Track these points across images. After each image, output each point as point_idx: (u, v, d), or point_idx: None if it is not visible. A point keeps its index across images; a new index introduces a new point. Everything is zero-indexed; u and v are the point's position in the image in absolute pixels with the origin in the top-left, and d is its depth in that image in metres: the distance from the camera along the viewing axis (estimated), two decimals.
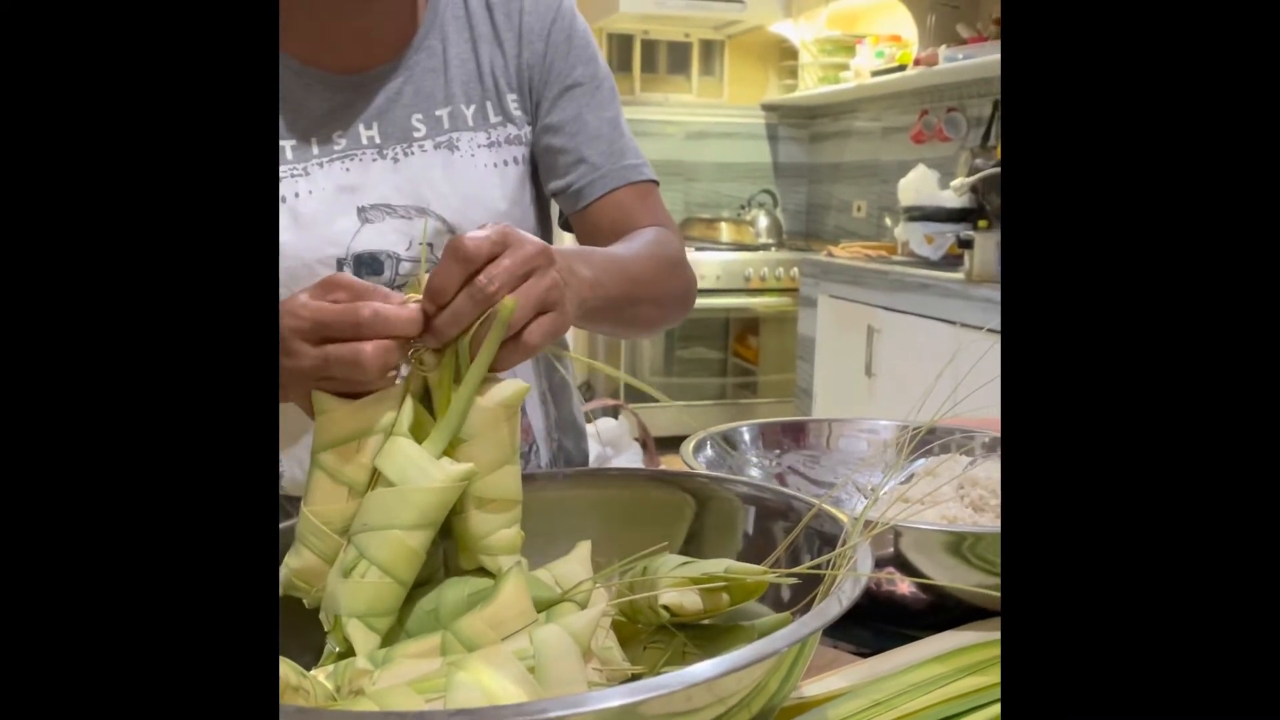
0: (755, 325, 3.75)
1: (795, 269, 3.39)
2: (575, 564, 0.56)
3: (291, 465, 0.85)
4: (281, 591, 0.50)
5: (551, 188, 0.86)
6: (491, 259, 0.50)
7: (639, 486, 0.64)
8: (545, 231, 0.90)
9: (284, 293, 0.77)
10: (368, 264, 0.79)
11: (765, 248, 3.70)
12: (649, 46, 3.93)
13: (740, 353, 3.86)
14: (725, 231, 3.71)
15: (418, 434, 0.50)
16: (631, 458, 2.08)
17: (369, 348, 0.48)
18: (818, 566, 0.47)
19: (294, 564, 0.49)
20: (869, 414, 0.91)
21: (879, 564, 0.62)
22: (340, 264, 0.79)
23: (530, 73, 0.85)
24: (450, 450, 0.50)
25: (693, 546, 0.59)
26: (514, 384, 0.51)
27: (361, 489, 0.49)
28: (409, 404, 0.50)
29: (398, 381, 0.52)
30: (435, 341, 0.50)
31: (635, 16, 3.61)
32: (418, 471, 0.48)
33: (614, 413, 2.39)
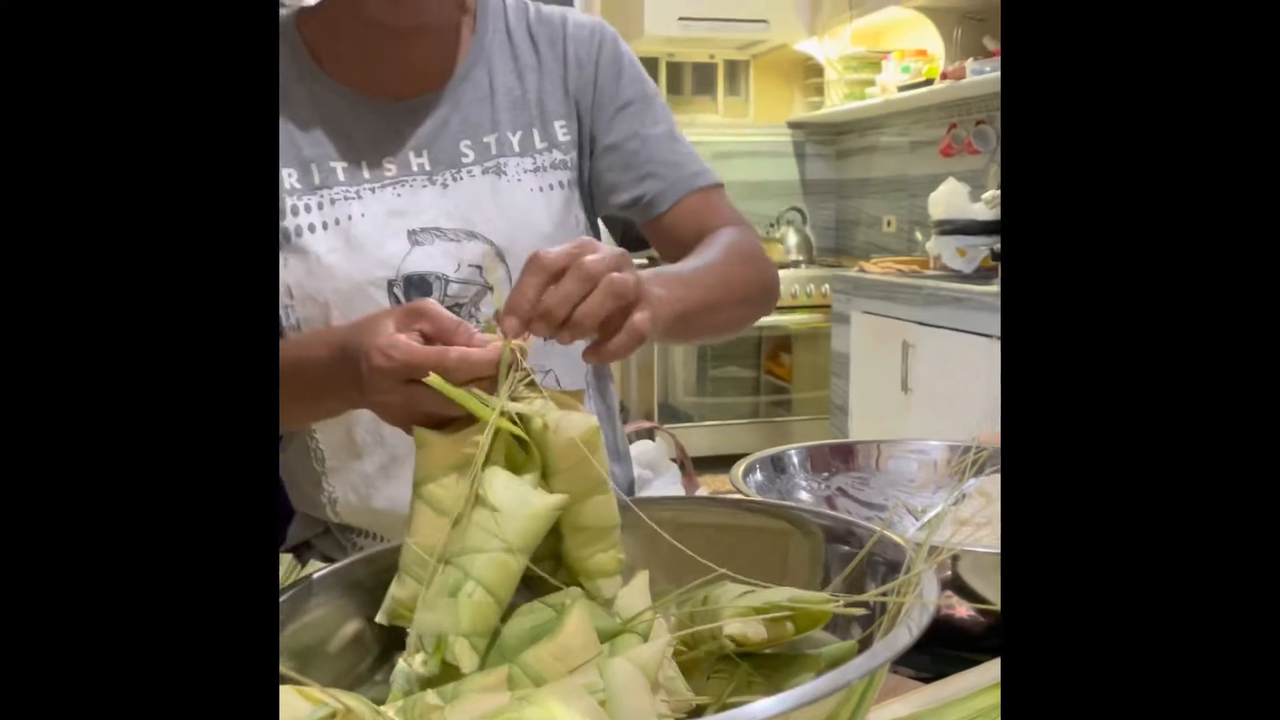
0: (788, 343, 3.74)
1: (826, 285, 3.38)
2: (635, 594, 0.56)
3: (344, 489, 0.86)
4: (388, 621, 0.51)
5: (620, 202, 0.89)
6: (563, 270, 0.53)
7: (692, 512, 0.64)
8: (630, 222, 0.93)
9: (335, 313, 0.80)
10: (417, 285, 0.81)
11: (796, 265, 3.69)
12: (674, 69, 3.95)
13: (773, 371, 3.85)
14: None
15: (512, 465, 0.52)
16: (670, 480, 2.08)
17: (452, 354, 0.51)
18: (883, 594, 0.47)
19: (400, 594, 0.50)
20: (906, 430, 0.91)
21: (939, 587, 0.61)
22: (390, 285, 0.81)
23: (579, 98, 0.87)
24: (544, 483, 0.52)
25: (753, 573, 0.59)
26: (585, 420, 0.52)
27: (459, 519, 0.50)
28: (503, 436, 0.51)
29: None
30: (549, 325, 0.53)
31: (660, 40, 3.63)
32: (516, 499, 0.50)
33: (650, 435, 2.39)
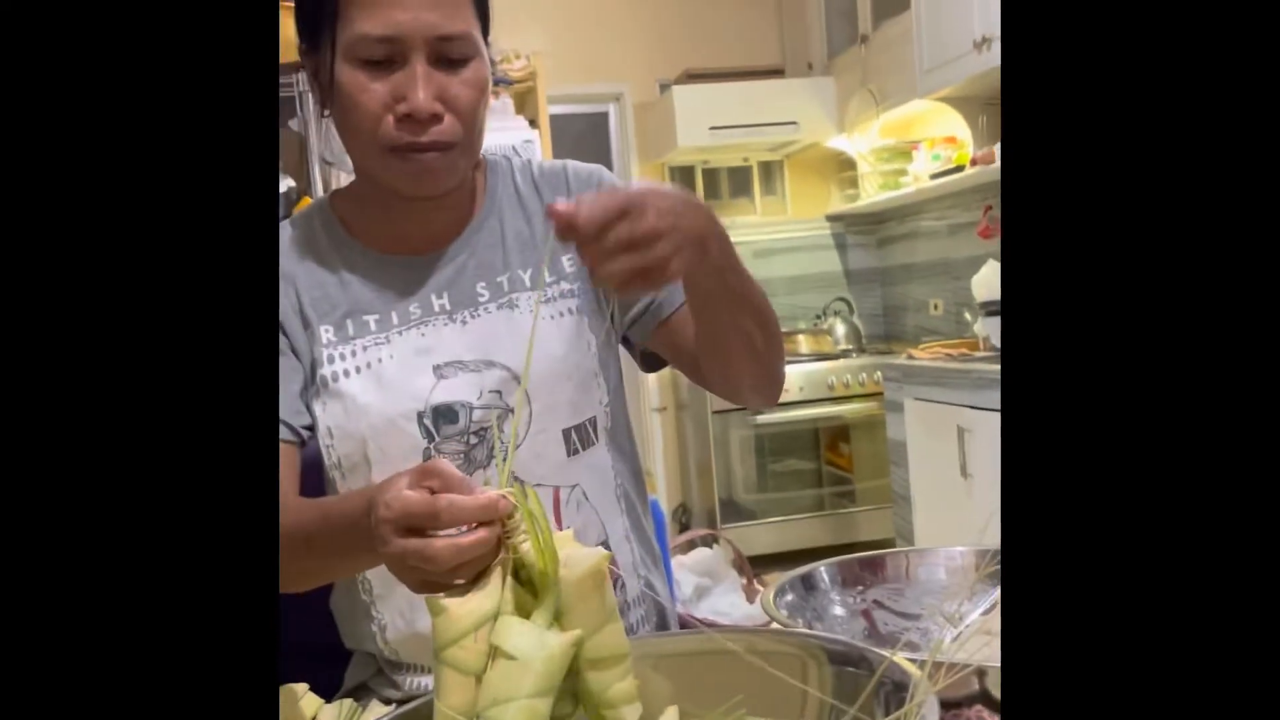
0: (845, 432, 3.73)
1: (879, 373, 3.38)
2: None
3: (392, 615, 0.91)
4: None
5: (630, 316, 0.94)
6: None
7: (710, 640, 0.66)
8: (607, 368, 0.96)
9: (371, 446, 0.87)
10: (444, 414, 0.88)
11: (846, 354, 3.70)
12: (710, 175, 4.06)
13: (833, 461, 3.82)
14: (804, 343, 3.74)
15: (522, 610, 0.55)
16: (730, 586, 2.08)
17: (438, 544, 0.55)
18: None
19: None
20: (971, 516, 0.92)
21: (967, 702, 0.63)
22: (420, 416, 0.87)
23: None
24: (556, 621, 0.55)
25: (773, 702, 0.61)
26: (596, 554, 0.56)
27: (484, 673, 0.53)
28: (510, 585, 0.55)
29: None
30: (580, 231, 0.63)
31: (692, 150, 3.75)
32: (532, 644, 0.53)
33: (710, 542, 2.39)
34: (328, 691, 0.90)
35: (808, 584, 0.81)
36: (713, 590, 2.03)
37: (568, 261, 0.94)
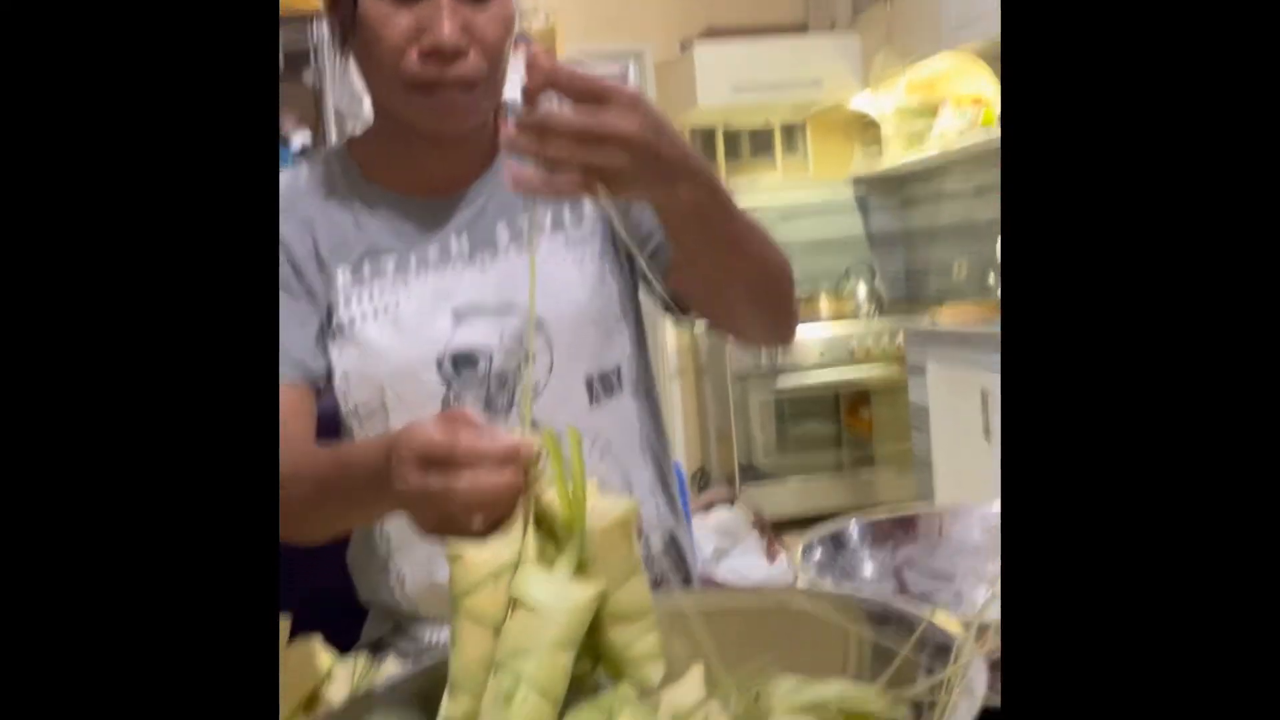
0: (866, 396, 3.69)
1: (900, 336, 3.34)
2: (688, 690, 0.56)
3: (411, 566, 0.89)
4: None
5: (652, 248, 0.89)
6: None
7: (737, 599, 0.63)
8: (630, 316, 0.93)
9: (388, 393, 0.85)
10: (464, 360, 0.85)
11: (868, 317, 3.66)
12: (731, 136, 4.00)
13: (853, 425, 3.79)
14: (825, 305, 3.70)
15: (543, 562, 0.52)
16: (750, 547, 2.07)
17: (460, 483, 0.52)
18: (931, 687, 0.46)
19: (453, 712, 0.51)
20: (991, 479, 0.89)
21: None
22: (439, 362, 0.85)
23: None
24: (578, 573, 0.52)
25: (807, 663, 0.59)
26: (623, 503, 0.53)
27: (502, 625, 0.51)
28: (531, 533, 0.52)
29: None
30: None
31: (714, 110, 3.69)
32: (554, 594, 0.50)
33: (729, 502, 2.38)
34: (343, 649, 0.88)
35: (837, 542, 0.78)
36: (732, 551, 2.02)
37: (591, 205, 0.91)
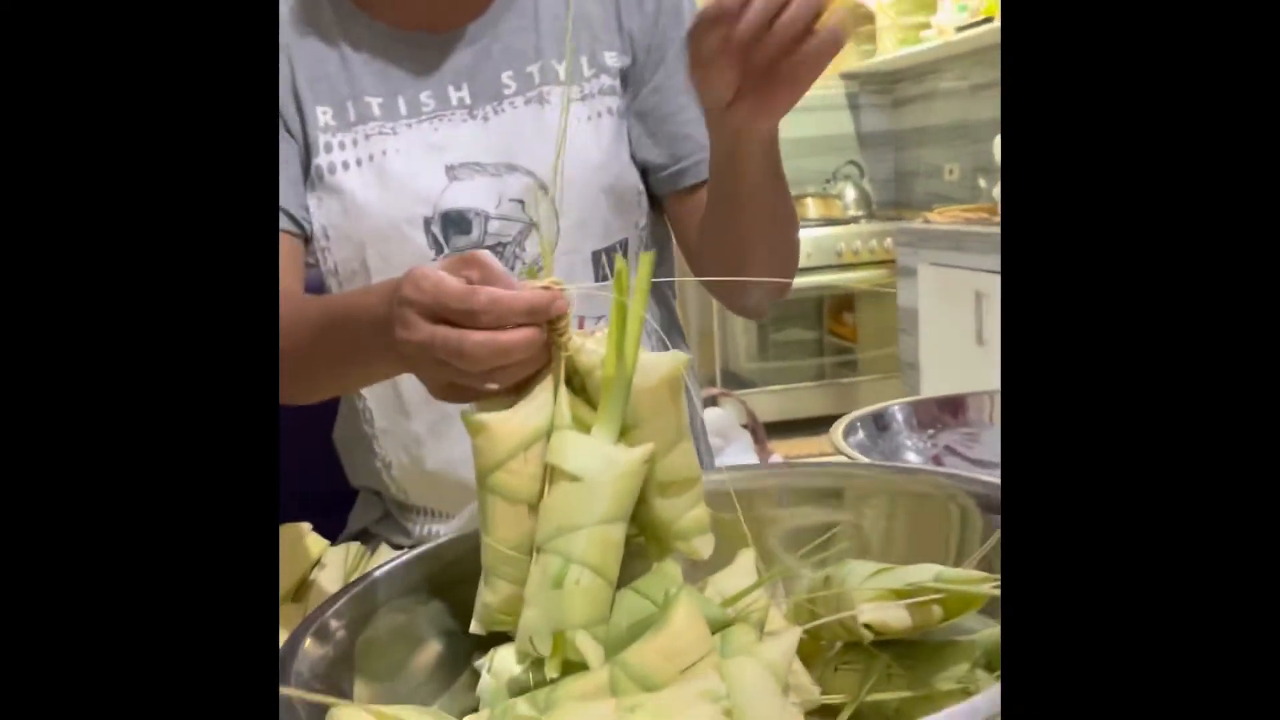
0: (850, 301, 3.63)
1: (889, 240, 3.27)
2: (741, 577, 0.49)
3: (396, 451, 0.82)
4: (484, 629, 0.45)
5: (647, 161, 0.80)
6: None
7: (803, 476, 0.57)
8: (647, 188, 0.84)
9: (370, 252, 0.77)
10: (455, 222, 0.77)
11: (855, 220, 3.58)
12: None
13: (837, 331, 3.74)
14: (812, 207, 3.60)
15: (579, 427, 0.45)
16: (742, 447, 2.01)
17: (476, 337, 0.44)
18: None
19: (492, 600, 0.44)
20: (984, 384, 0.82)
21: None
22: (427, 222, 0.77)
23: (634, 33, 0.80)
24: (621, 437, 0.44)
25: (884, 550, 0.52)
26: (674, 355, 0.46)
27: (538, 501, 0.44)
28: (564, 395, 0.44)
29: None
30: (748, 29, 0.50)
31: None
32: (601, 461, 0.43)
33: (713, 402, 2.32)
34: (331, 538, 0.81)
35: (879, 423, 0.72)
36: (725, 450, 1.96)
37: (611, 58, 0.80)
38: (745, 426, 2.14)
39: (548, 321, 0.45)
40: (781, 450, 2.24)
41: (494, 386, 0.47)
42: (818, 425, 3.76)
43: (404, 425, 0.81)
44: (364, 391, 0.82)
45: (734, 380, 3.63)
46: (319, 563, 0.71)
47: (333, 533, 0.86)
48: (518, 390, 0.46)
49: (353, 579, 0.55)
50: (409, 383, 0.80)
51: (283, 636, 0.62)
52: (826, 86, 3.87)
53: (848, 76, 3.86)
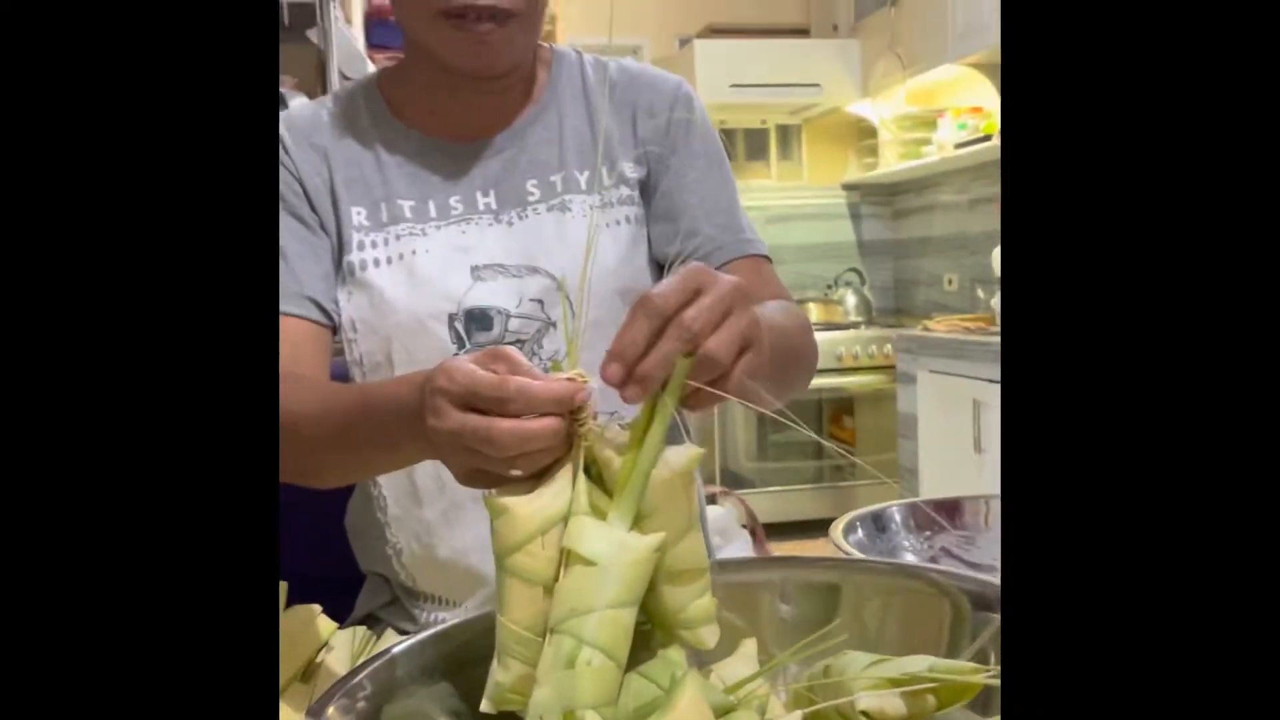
0: (849, 405, 3.66)
1: (888, 346, 3.32)
2: (742, 664, 0.51)
3: (407, 538, 0.84)
4: (495, 708, 0.46)
5: (668, 252, 0.86)
6: (682, 307, 0.48)
7: (793, 570, 0.59)
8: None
9: (396, 345, 0.80)
10: (478, 319, 0.81)
11: (855, 326, 3.63)
12: (726, 135, 3.92)
13: (836, 434, 3.76)
14: (814, 312, 3.67)
15: (595, 514, 0.47)
16: (741, 546, 2.02)
17: (504, 425, 0.47)
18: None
19: (505, 679, 0.46)
20: (980, 490, 0.85)
21: None
22: (452, 319, 0.80)
23: (649, 144, 0.86)
24: (634, 525, 0.47)
25: (872, 641, 0.54)
26: (688, 450, 0.48)
27: (554, 583, 0.46)
28: (582, 483, 0.47)
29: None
30: (639, 393, 0.47)
31: (712, 106, 3.63)
32: (614, 547, 0.45)
33: (713, 500, 2.33)
34: (338, 620, 0.82)
35: (878, 523, 0.74)
36: (724, 549, 1.97)
37: (629, 168, 0.86)
38: (745, 527, 2.15)
39: (569, 411, 0.48)
40: (779, 552, 2.24)
41: (516, 472, 0.49)
42: (815, 528, 3.74)
43: (416, 513, 0.84)
44: (379, 479, 0.85)
45: (733, 480, 3.63)
46: (327, 644, 0.72)
47: (340, 615, 0.87)
48: (538, 477, 0.49)
49: (359, 662, 0.56)
50: (422, 471, 0.82)
51: (292, 716, 0.64)
52: (830, 196, 3.98)
53: (850, 187, 3.98)
